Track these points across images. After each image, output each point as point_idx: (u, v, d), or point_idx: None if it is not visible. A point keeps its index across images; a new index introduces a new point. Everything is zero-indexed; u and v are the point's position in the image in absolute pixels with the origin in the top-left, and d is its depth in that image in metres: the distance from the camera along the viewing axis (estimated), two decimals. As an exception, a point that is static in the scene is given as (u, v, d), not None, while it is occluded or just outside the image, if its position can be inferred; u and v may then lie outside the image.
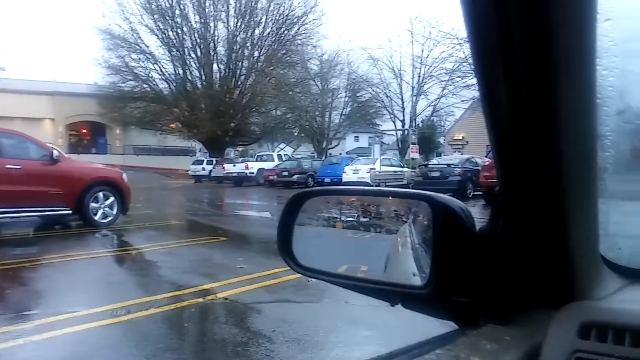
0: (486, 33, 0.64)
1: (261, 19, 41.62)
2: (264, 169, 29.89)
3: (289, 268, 1.09)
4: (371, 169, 23.47)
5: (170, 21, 40.88)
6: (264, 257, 7.73)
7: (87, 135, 55.58)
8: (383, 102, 41.91)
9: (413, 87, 39.85)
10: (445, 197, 0.92)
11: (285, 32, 42.20)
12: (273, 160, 31.86)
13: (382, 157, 26.59)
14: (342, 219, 1.23)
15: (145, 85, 43.49)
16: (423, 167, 21.89)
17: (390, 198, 1.19)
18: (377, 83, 41.05)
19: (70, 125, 52.51)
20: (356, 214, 1.21)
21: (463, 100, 35.98)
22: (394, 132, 42.61)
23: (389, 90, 41.04)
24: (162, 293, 5.48)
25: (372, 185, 18.00)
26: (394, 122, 41.48)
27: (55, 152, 10.15)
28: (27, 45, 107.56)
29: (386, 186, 18.43)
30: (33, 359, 3.70)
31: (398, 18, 74.81)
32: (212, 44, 41.49)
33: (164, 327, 4.43)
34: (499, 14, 0.60)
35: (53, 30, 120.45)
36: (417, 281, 0.96)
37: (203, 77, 42.39)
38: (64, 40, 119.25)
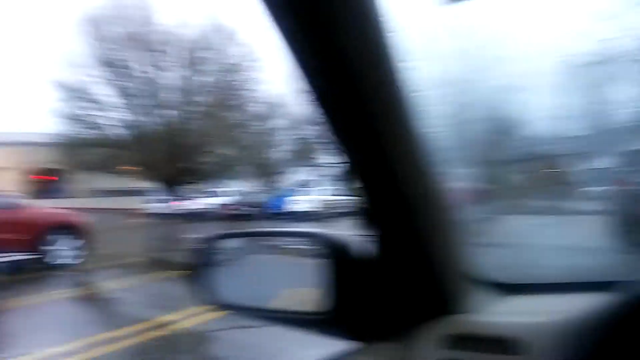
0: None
1: (206, 67, 42.28)
2: (218, 204, 29.77)
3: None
4: (323, 199, 23.61)
5: (122, 72, 40.88)
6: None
7: (48, 182, 53.72)
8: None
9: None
10: (332, 233, 0.95)
11: (229, 77, 42.96)
12: (225, 195, 31.77)
13: (328, 188, 26.58)
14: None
15: (101, 132, 42.96)
16: None
17: (288, 238, 1.20)
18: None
19: (31, 172, 50.70)
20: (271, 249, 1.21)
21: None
22: (332, 164, 43.40)
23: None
24: (124, 327, 5.52)
25: (323, 214, 18.20)
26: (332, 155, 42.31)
27: (17, 200, 9.93)
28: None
29: (335, 214, 18.89)
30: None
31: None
32: (163, 92, 41.62)
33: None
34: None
35: (10, 82, 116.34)
36: (319, 307, 0.95)
37: (156, 122, 42.27)
38: (22, 92, 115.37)
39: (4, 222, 9.42)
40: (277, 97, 44.42)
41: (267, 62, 45.84)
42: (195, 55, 41.22)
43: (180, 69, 41.58)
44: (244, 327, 5.32)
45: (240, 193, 33.55)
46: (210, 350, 4.62)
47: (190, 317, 5.62)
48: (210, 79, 42.71)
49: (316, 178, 30.45)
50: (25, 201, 10.84)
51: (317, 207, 22.84)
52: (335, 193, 26.94)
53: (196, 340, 4.97)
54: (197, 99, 42.17)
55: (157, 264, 11.73)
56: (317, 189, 26.75)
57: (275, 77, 45.15)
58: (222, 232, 1.21)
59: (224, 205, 28.89)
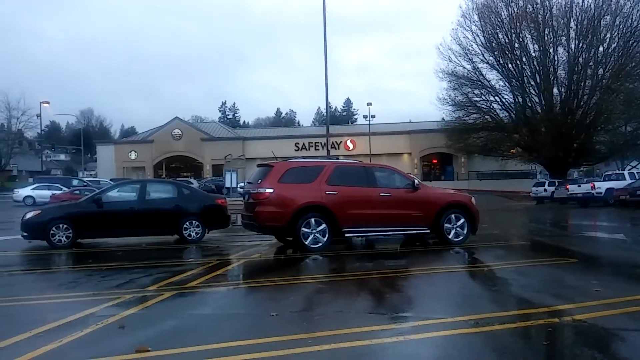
0: None
1: (605, 35, 37.10)
2: (613, 188, 26.10)
3: None
4: None
5: (509, 55, 40.55)
6: (622, 282, 6.72)
7: (437, 165, 59.16)
8: None
9: None
10: None
11: (634, 44, 36.49)
12: (624, 179, 27.49)
13: None
14: None
15: (486, 116, 44.04)
16: None
17: None
18: None
19: (423, 157, 56.72)
20: None
21: None
22: None
23: None
24: (515, 309, 5.32)
25: None
26: None
27: (416, 181, 11.06)
28: (382, 95, 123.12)
29: None
30: (413, 355, 4.02)
31: None
32: (551, 69, 39.12)
33: (522, 341, 4.26)
34: None
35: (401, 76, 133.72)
36: None
37: (543, 102, 40.24)
38: (412, 85, 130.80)
39: (406, 201, 10.65)
40: None
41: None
42: (595, 23, 36.64)
43: (573, 41, 38.01)
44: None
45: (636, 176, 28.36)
46: (616, 350, 3.93)
47: (588, 310, 4.97)
48: (610, 47, 37.33)
49: None
50: (421, 182, 11.97)
51: None
52: None
53: (597, 336, 4.32)
54: (591, 72, 37.72)
55: (541, 249, 11.09)
56: None
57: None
58: None
59: (622, 189, 25.04)
